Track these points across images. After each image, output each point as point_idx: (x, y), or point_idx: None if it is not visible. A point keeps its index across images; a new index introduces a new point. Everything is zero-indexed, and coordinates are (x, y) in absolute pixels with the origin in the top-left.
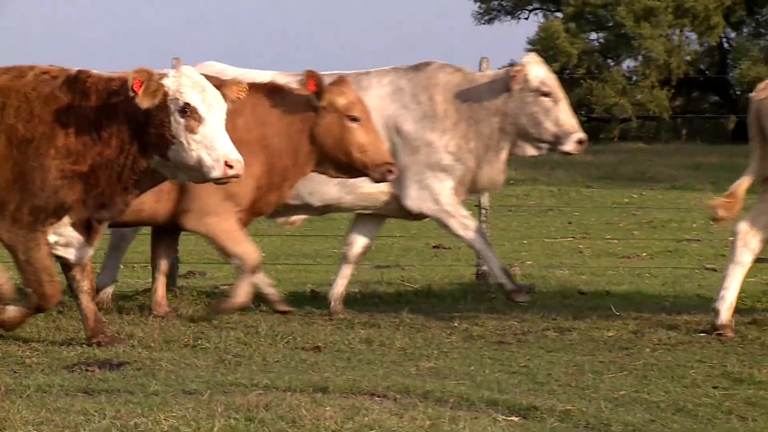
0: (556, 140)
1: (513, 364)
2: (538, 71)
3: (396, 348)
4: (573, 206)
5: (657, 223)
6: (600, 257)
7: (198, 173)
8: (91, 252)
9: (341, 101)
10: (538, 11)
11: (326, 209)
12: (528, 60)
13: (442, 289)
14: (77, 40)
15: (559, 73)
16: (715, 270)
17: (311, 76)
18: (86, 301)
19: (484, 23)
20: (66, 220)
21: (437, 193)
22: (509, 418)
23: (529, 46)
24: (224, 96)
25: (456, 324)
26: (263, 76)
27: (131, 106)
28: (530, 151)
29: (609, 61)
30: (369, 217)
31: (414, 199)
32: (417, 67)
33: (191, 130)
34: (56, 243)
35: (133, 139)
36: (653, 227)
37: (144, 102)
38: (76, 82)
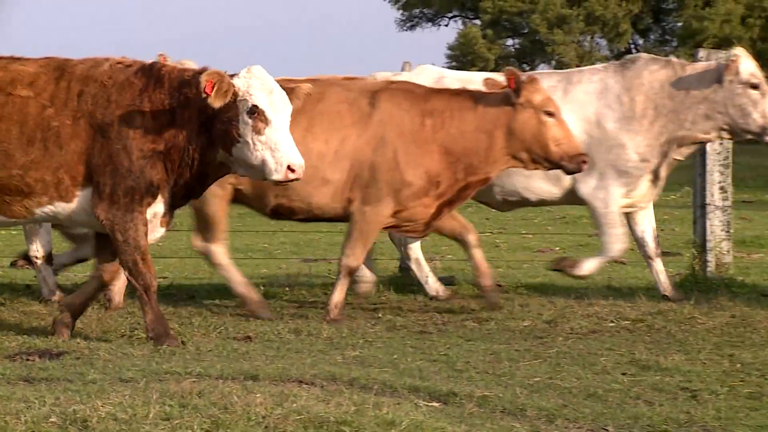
0: (762, 131)
1: (434, 352)
2: (748, 64)
3: (323, 338)
4: None
5: (569, 219)
6: (516, 251)
7: (260, 173)
8: (162, 232)
9: (538, 98)
10: (457, 18)
11: (542, 203)
12: (739, 53)
13: None
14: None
15: None
16: (624, 263)
17: (511, 74)
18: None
19: (406, 30)
20: (160, 199)
21: (610, 197)
22: (430, 404)
23: (448, 51)
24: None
25: (380, 315)
26: (478, 78)
27: (202, 99)
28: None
29: (524, 65)
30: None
31: (590, 190)
32: (625, 65)
33: (258, 131)
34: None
35: (201, 130)
36: (566, 223)
37: (216, 102)
38: (151, 70)
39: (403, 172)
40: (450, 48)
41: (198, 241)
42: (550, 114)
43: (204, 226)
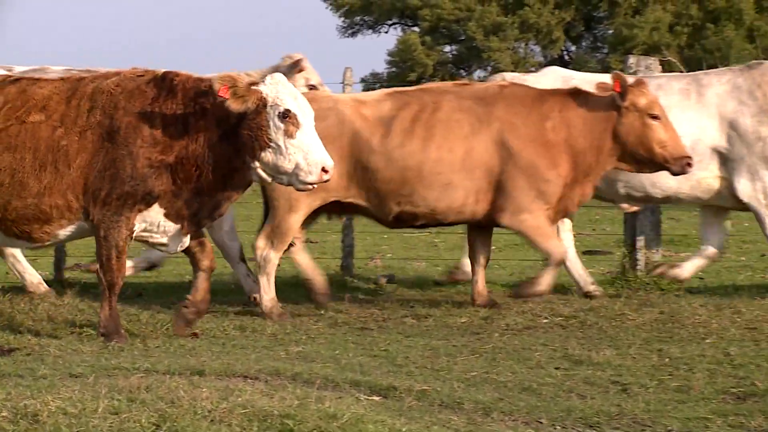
0: None
1: (374, 348)
2: None
3: (267, 334)
4: None
5: None
6: (453, 250)
7: (292, 177)
8: (186, 242)
9: (643, 101)
10: (397, 25)
11: (667, 200)
12: None
13: None
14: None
15: (417, 83)
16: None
17: (617, 78)
18: (202, 278)
19: (347, 36)
20: (157, 209)
21: (766, 188)
22: (371, 398)
23: (388, 57)
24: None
25: (322, 312)
26: (604, 79)
27: (221, 108)
28: None
29: (461, 71)
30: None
31: (744, 189)
32: (750, 66)
33: (290, 135)
34: (152, 230)
35: (221, 138)
36: None
37: (234, 105)
38: (164, 80)
39: (540, 174)
40: (390, 54)
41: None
42: (654, 117)
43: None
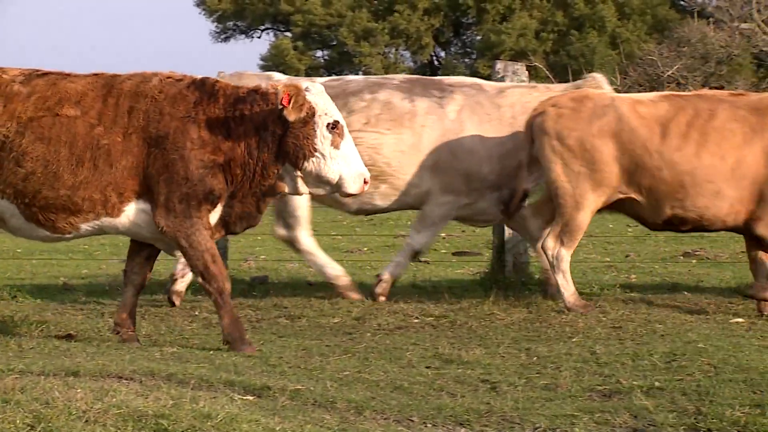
0: None
1: None
2: None
3: (142, 335)
4: None
5: (377, 221)
6: (326, 251)
7: (334, 187)
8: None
9: None
10: (269, 31)
11: None
12: None
13: None
14: None
15: None
16: (428, 262)
17: None
18: (132, 294)
19: (221, 41)
20: (219, 209)
21: None
22: (245, 397)
23: (261, 62)
24: None
25: (197, 313)
26: None
27: (259, 115)
28: None
29: (333, 76)
30: None
31: None
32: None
33: (336, 146)
34: None
35: (262, 146)
36: (373, 224)
37: (292, 115)
38: (203, 84)
39: None
40: (263, 59)
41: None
42: None
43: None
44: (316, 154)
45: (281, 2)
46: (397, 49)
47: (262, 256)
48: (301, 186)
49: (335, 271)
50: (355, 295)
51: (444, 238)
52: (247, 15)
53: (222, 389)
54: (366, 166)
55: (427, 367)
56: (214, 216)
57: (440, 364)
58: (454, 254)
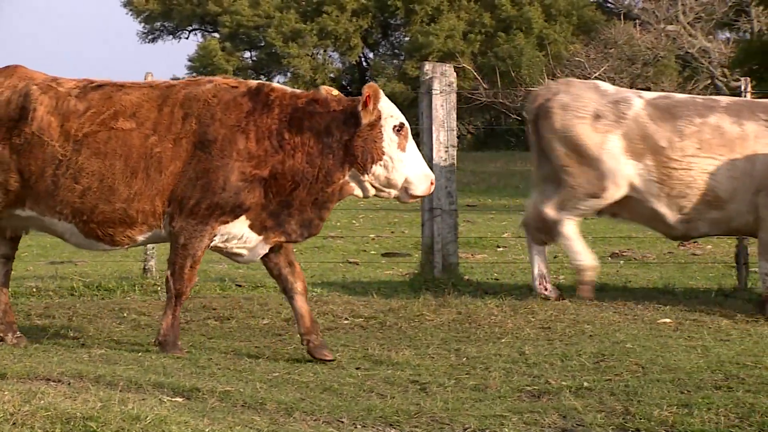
0: None
1: None
2: None
3: (70, 337)
4: None
5: None
6: None
7: (401, 190)
8: (262, 253)
9: None
10: (197, 32)
11: None
12: None
13: (112, 283)
14: None
15: None
16: (358, 264)
17: None
18: (300, 301)
19: (148, 42)
20: (243, 220)
21: None
22: (174, 399)
23: (189, 63)
24: None
25: (125, 315)
26: None
27: (321, 122)
28: None
29: (261, 77)
30: None
31: None
32: None
33: (402, 148)
34: (232, 241)
35: (325, 153)
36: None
37: (367, 117)
38: (258, 93)
39: None
40: (190, 60)
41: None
42: None
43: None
44: (384, 157)
45: (209, 3)
46: (325, 51)
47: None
48: (369, 189)
49: (587, 261)
50: (589, 294)
51: (373, 239)
52: (175, 16)
53: (151, 391)
54: (701, 192)
55: (357, 368)
56: (239, 226)
57: (370, 365)
58: (383, 255)
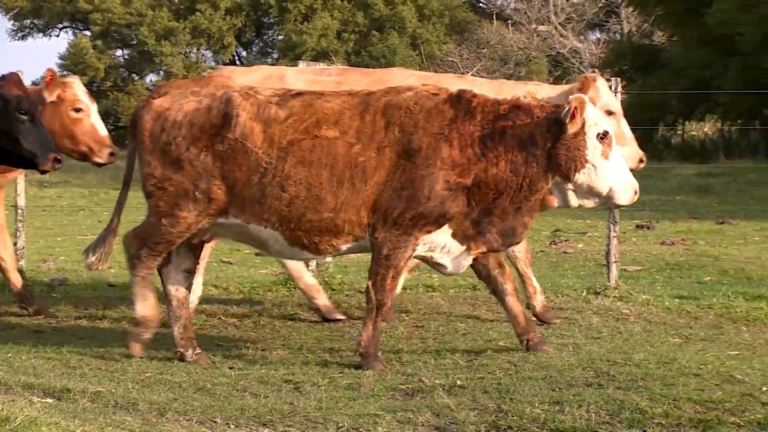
0: None
1: (48, 350)
2: None
3: None
4: (102, 206)
5: None
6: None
7: (604, 199)
8: (466, 264)
9: None
10: (68, 29)
11: None
12: None
13: None
14: None
15: (88, 86)
16: (231, 263)
17: None
18: (512, 302)
19: (18, 39)
20: (446, 229)
21: None
22: (44, 400)
23: (60, 61)
24: None
25: None
26: None
27: (525, 130)
28: None
29: (134, 75)
30: None
31: None
32: None
33: (606, 156)
34: (435, 250)
35: (530, 161)
36: None
37: (573, 127)
38: (460, 100)
39: None
40: (61, 58)
41: None
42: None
43: None
44: (588, 165)
45: (80, 1)
46: (198, 49)
47: (62, 257)
48: (571, 199)
49: None
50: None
51: None
52: (45, 13)
53: (20, 392)
54: None
55: (231, 368)
56: (443, 235)
57: (243, 365)
58: (257, 254)
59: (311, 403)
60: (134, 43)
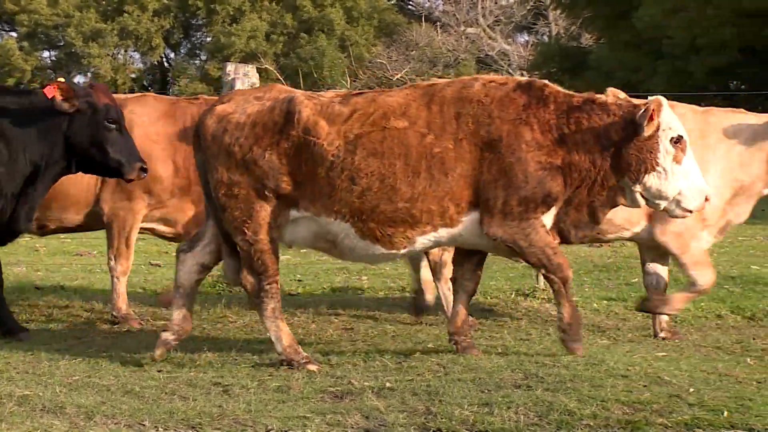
0: None
1: None
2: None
3: None
4: None
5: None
6: (55, 255)
7: (672, 203)
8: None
9: None
10: None
11: None
12: None
13: None
14: None
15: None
16: (160, 266)
17: None
18: (464, 302)
19: None
20: (553, 213)
21: None
22: None
23: None
24: None
25: None
26: None
27: (601, 125)
28: None
29: (61, 77)
30: None
31: None
32: None
33: (678, 161)
34: None
35: (603, 155)
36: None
37: (649, 130)
38: (530, 88)
39: None
40: None
41: None
42: None
43: None
44: (658, 168)
45: (6, 1)
46: (126, 51)
47: None
48: (638, 199)
49: None
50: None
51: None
52: None
53: None
54: None
55: (159, 371)
56: (548, 219)
57: (172, 368)
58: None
59: (240, 406)
60: (61, 44)
